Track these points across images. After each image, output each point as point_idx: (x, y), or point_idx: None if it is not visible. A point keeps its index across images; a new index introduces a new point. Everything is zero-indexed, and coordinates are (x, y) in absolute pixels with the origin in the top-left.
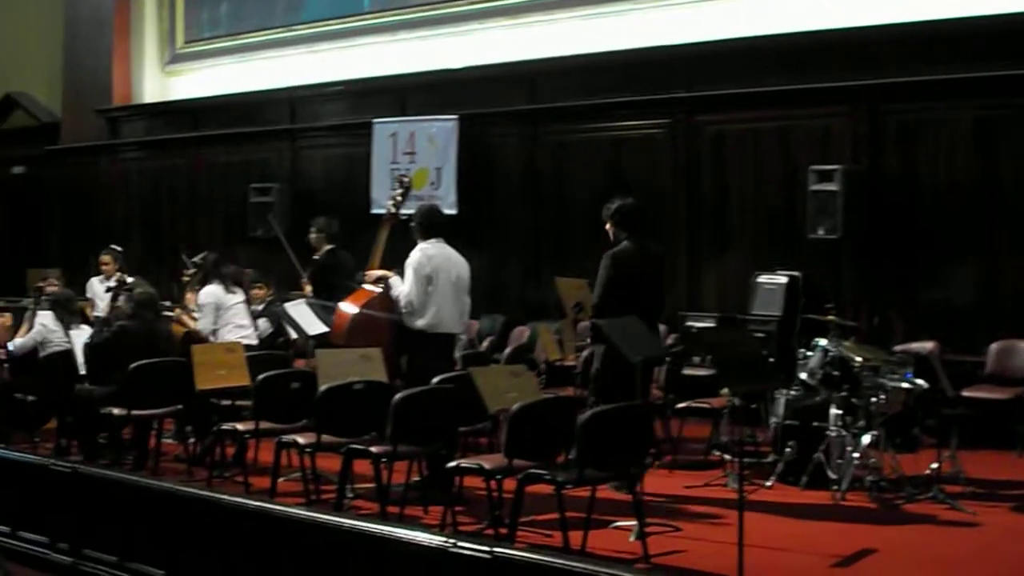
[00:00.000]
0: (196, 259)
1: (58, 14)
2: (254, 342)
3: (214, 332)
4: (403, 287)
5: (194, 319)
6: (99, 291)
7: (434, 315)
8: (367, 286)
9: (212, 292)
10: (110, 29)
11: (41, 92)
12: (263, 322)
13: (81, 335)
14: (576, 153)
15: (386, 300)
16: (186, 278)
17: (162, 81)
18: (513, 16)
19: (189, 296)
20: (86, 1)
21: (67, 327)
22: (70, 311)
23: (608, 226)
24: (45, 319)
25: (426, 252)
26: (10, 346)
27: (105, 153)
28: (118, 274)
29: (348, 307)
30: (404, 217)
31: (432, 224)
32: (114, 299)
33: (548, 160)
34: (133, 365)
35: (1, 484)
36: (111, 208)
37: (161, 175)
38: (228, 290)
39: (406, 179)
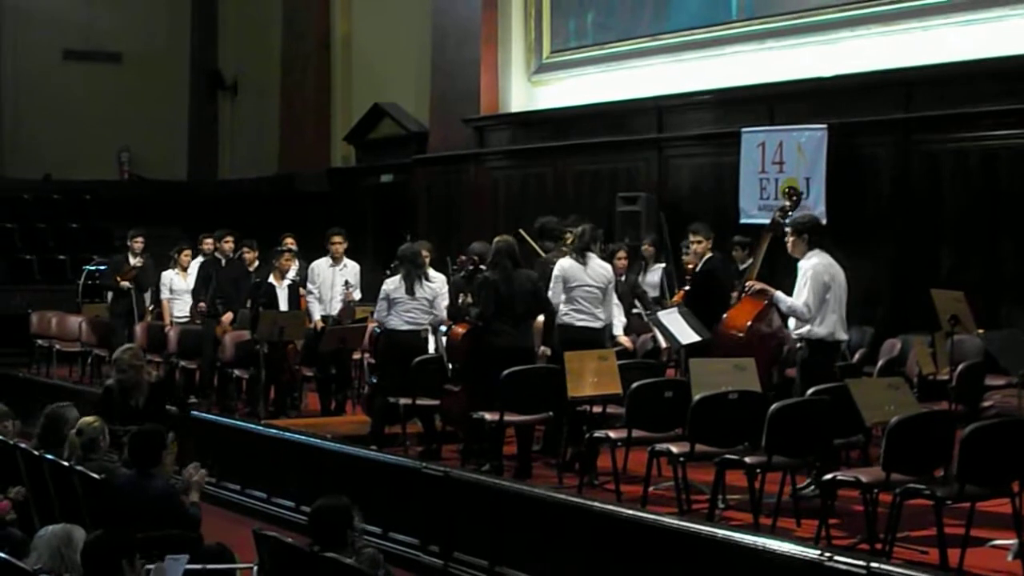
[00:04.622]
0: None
1: (426, 26)
2: (594, 325)
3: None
4: (802, 294)
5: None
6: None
7: (833, 323)
8: (751, 297)
9: (561, 265)
10: (477, 40)
11: (408, 102)
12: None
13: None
14: (949, 163)
15: (769, 312)
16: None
17: (528, 90)
18: (886, 23)
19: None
20: (454, 13)
21: (411, 283)
22: (416, 264)
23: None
24: (388, 283)
25: (822, 260)
26: (375, 328)
27: (471, 162)
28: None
29: (741, 317)
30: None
31: (820, 233)
32: (468, 283)
33: (920, 170)
34: (506, 372)
35: (375, 486)
36: (477, 215)
37: (527, 183)
38: (583, 264)
39: (796, 191)
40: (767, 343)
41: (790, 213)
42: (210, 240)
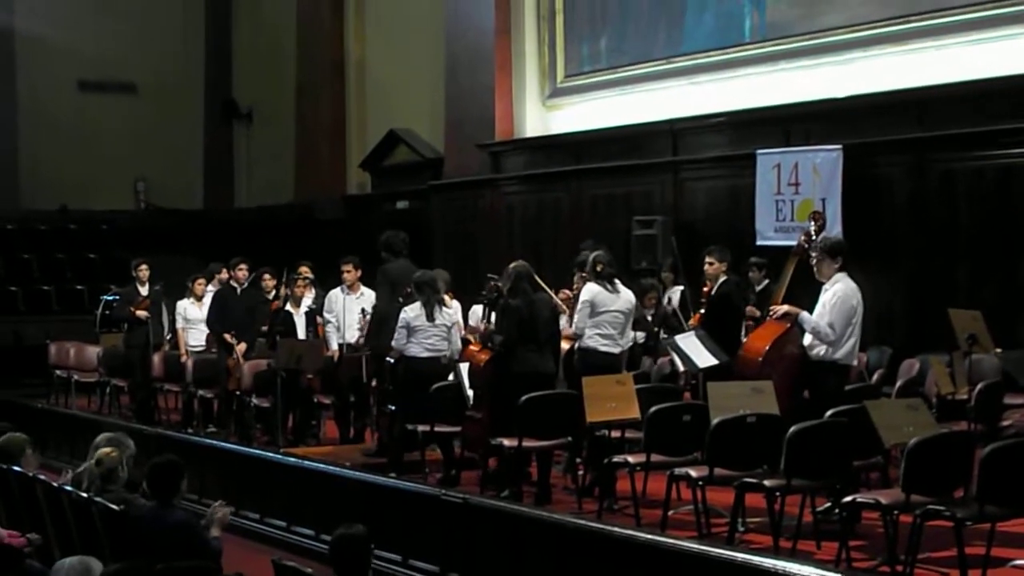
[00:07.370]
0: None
1: (439, 52)
2: (614, 351)
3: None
4: (826, 316)
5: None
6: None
7: (852, 346)
8: (775, 320)
9: (590, 289)
10: (491, 65)
11: (423, 128)
12: None
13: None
14: (964, 182)
15: (792, 336)
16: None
17: (543, 115)
18: (899, 43)
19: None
20: (467, 39)
21: (431, 309)
22: (435, 290)
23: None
24: (407, 310)
25: (848, 284)
26: (390, 359)
27: (487, 187)
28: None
29: (759, 341)
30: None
31: (843, 254)
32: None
33: (935, 189)
34: (524, 397)
35: (393, 513)
36: (493, 240)
37: (543, 208)
38: (613, 291)
39: (820, 215)
40: (791, 366)
41: (815, 237)
42: (225, 269)
